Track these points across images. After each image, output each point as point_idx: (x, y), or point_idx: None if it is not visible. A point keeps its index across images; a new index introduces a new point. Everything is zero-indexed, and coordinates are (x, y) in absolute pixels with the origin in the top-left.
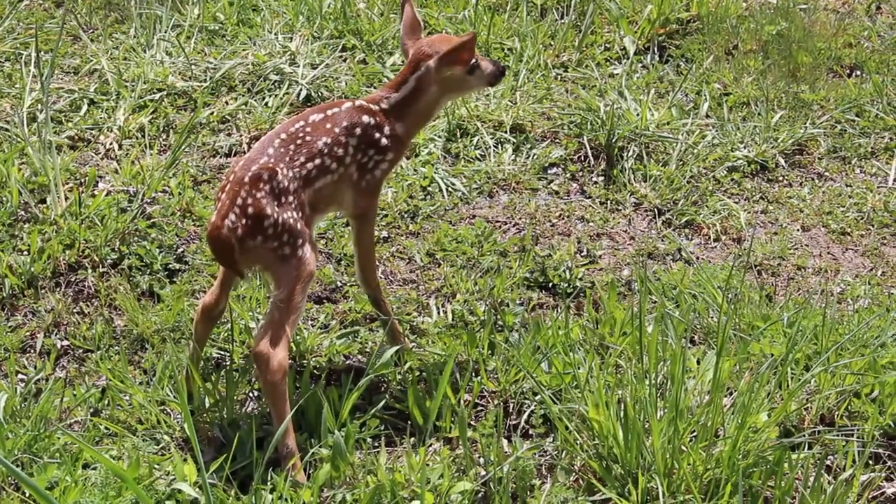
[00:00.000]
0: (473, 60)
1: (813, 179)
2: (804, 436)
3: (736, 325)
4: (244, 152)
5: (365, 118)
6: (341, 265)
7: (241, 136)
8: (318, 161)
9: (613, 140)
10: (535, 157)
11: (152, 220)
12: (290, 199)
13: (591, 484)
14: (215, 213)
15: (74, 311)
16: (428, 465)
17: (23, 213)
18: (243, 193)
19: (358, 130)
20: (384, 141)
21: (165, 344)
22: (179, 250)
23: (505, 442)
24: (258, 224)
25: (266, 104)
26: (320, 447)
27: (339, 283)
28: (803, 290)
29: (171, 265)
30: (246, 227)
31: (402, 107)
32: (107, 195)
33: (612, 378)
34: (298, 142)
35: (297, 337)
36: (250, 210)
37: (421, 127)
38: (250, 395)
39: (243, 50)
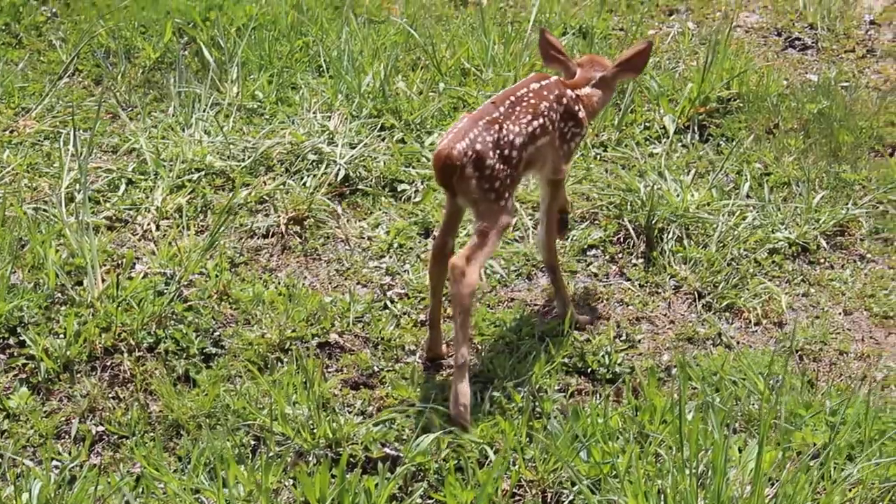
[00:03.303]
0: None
1: (855, 261)
2: None
3: (778, 412)
4: (282, 233)
5: (568, 91)
6: (378, 350)
7: (279, 216)
8: (541, 121)
9: (653, 221)
10: (574, 238)
11: (189, 304)
12: (514, 154)
13: None
14: (449, 137)
15: (110, 395)
16: None
17: (59, 295)
18: (477, 130)
19: (564, 100)
20: (581, 114)
21: (201, 430)
22: (216, 334)
23: None
24: (480, 162)
25: (304, 184)
26: None
27: (375, 369)
28: (846, 376)
29: (207, 349)
30: (471, 158)
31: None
32: (144, 277)
33: (652, 468)
34: (522, 105)
35: (334, 424)
36: (478, 146)
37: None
38: (285, 483)
39: (282, 129)
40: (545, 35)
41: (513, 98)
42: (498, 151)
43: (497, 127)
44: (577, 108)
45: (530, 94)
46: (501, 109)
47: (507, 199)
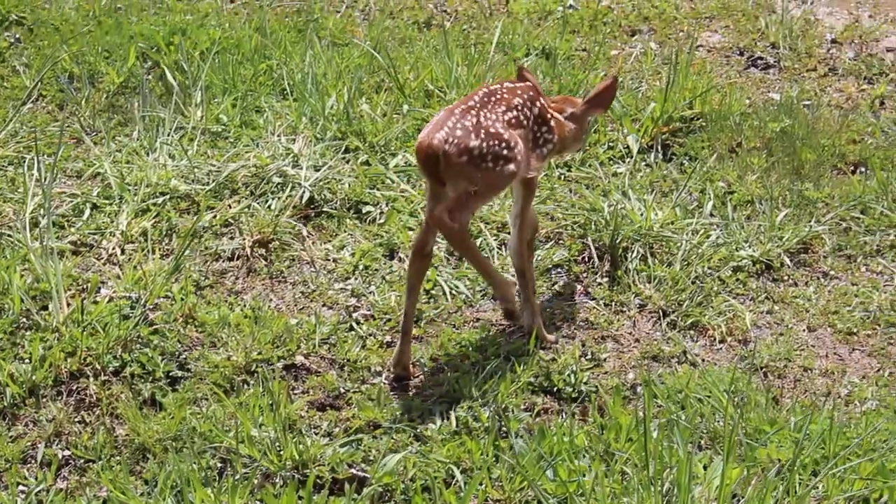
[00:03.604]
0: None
1: (818, 278)
2: None
3: (743, 429)
4: (248, 256)
5: (541, 98)
6: (344, 371)
7: (243, 239)
8: (514, 113)
9: (617, 241)
10: (539, 258)
11: (154, 327)
12: (500, 132)
13: None
14: (428, 128)
15: (76, 420)
16: None
17: (24, 320)
18: (454, 118)
19: (538, 103)
20: (553, 122)
21: (167, 453)
22: (182, 357)
23: None
24: (463, 145)
25: (269, 207)
26: None
27: (341, 390)
28: (810, 393)
29: (173, 372)
30: (453, 143)
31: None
32: (109, 301)
33: (619, 486)
34: (497, 97)
35: (300, 446)
36: (458, 132)
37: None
38: None
39: (246, 152)
40: (522, 72)
41: (486, 90)
42: (482, 131)
43: (474, 113)
44: (548, 115)
45: (504, 90)
46: (476, 99)
47: (505, 166)
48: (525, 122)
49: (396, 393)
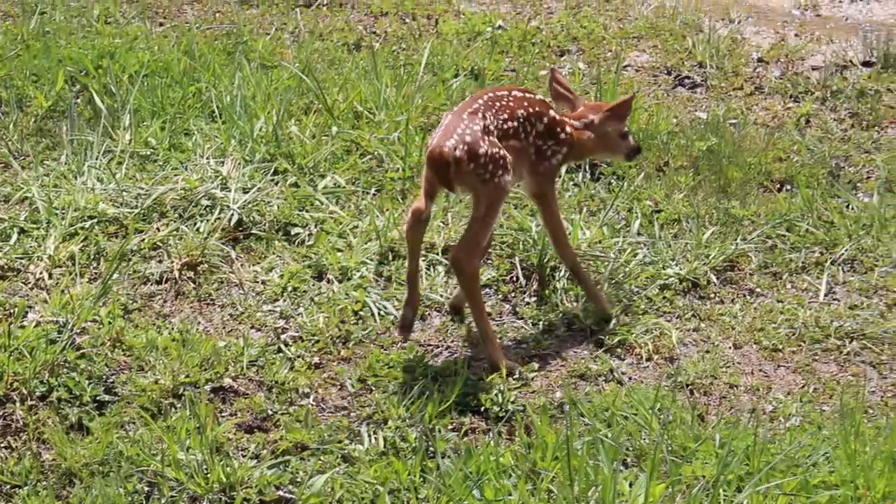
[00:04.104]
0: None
1: (744, 296)
2: None
3: (668, 446)
4: (176, 279)
5: (551, 112)
6: (272, 393)
7: (172, 262)
8: (514, 124)
9: (545, 260)
10: None
11: (82, 351)
12: (496, 139)
13: None
14: (437, 136)
15: (2, 445)
16: None
17: None
18: (463, 124)
19: (545, 119)
20: (563, 136)
21: (94, 478)
22: (109, 381)
23: None
24: (473, 152)
25: (198, 229)
26: None
27: (269, 412)
28: (735, 409)
29: (100, 397)
30: (463, 150)
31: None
32: (36, 326)
33: None
34: (502, 104)
35: (228, 468)
36: (468, 138)
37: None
38: None
39: (175, 175)
40: (554, 74)
41: (492, 94)
42: (487, 136)
43: (480, 115)
44: (558, 129)
45: (510, 99)
46: (480, 102)
47: (502, 177)
48: (523, 134)
49: (325, 415)
